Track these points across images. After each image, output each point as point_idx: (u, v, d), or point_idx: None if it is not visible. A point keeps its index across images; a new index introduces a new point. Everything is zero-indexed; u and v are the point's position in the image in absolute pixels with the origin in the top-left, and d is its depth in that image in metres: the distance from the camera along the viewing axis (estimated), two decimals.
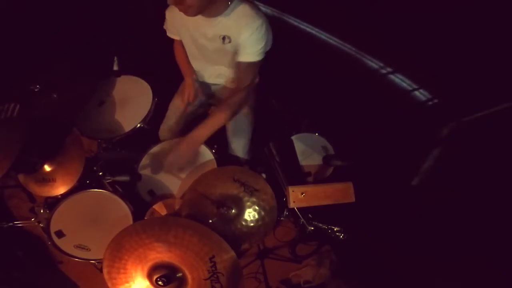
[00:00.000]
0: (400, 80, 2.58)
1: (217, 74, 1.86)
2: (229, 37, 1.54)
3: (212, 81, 1.93)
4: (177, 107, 1.94)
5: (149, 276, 1.30)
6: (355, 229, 1.75)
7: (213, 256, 1.29)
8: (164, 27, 1.77)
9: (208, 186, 1.59)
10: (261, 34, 1.46)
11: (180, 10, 1.40)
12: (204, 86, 1.97)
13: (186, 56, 1.86)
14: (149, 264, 1.30)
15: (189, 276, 1.30)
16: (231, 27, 1.49)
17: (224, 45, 1.57)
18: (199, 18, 1.53)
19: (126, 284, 1.31)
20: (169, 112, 1.95)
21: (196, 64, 1.88)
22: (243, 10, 1.46)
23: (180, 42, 1.80)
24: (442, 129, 2.37)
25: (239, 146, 1.86)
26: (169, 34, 1.80)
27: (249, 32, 1.45)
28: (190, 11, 1.38)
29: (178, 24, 1.67)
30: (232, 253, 1.32)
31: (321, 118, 2.21)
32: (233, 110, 1.60)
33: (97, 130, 1.88)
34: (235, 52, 1.57)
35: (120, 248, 1.29)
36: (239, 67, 1.57)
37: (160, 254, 1.29)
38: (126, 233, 1.30)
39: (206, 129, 1.56)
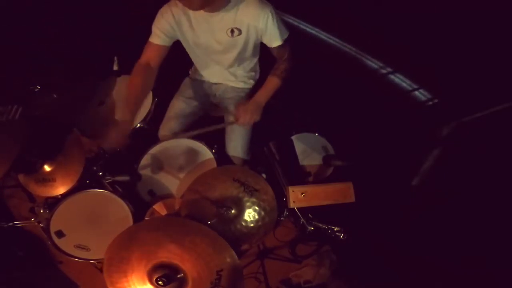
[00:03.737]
0: (400, 80, 2.59)
1: (220, 74, 1.86)
2: (238, 29, 1.58)
3: (214, 80, 1.93)
4: (177, 107, 1.92)
5: (149, 276, 1.30)
6: (355, 229, 1.75)
7: (221, 270, 1.29)
8: (154, 30, 1.60)
9: (207, 186, 1.58)
10: (275, 17, 1.56)
11: (184, 4, 1.42)
12: (206, 86, 1.97)
13: (145, 83, 1.63)
14: (149, 264, 1.30)
15: (190, 281, 1.30)
16: (240, 19, 1.54)
17: (233, 38, 1.60)
18: (203, 16, 1.53)
19: (126, 284, 1.31)
20: (169, 113, 1.92)
21: (199, 63, 1.86)
22: (250, 1, 1.52)
23: (157, 48, 1.62)
24: (442, 129, 2.37)
25: (237, 147, 1.85)
26: (152, 39, 1.62)
27: (265, 18, 1.53)
28: (194, 4, 1.42)
29: (179, 26, 1.60)
30: (240, 269, 1.32)
31: (321, 118, 2.21)
32: (284, 76, 1.71)
33: (97, 130, 1.88)
34: (246, 43, 1.64)
35: (123, 247, 1.30)
36: (273, 51, 1.68)
37: (170, 254, 1.29)
38: (143, 227, 1.33)
39: (265, 93, 1.69)
